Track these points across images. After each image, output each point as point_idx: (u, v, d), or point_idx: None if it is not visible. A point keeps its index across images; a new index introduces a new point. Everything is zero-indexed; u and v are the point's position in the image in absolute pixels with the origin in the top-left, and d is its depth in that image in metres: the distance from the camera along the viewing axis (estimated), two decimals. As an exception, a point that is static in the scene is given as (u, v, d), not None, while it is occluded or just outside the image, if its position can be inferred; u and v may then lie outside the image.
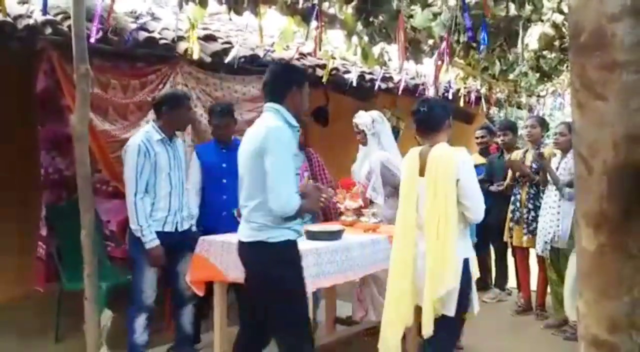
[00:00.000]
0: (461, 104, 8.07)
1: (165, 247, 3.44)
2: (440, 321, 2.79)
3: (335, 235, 3.42)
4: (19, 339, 4.22)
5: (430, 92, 6.49)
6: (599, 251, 1.16)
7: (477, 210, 2.85)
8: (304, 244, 3.22)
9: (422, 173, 2.92)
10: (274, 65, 3.20)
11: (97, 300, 3.35)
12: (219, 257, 3.42)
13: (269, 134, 2.63)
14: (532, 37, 4.84)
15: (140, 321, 3.46)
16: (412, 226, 2.94)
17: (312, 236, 3.40)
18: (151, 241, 3.37)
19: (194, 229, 3.74)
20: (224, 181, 3.91)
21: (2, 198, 4.65)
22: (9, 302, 4.71)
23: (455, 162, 2.82)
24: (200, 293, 3.54)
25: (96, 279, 3.34)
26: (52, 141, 4.30)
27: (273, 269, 2.68)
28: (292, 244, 2.73)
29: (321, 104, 6.88)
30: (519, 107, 9.43)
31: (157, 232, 3.42)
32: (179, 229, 3.57)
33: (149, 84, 4.11)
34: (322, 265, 3.16)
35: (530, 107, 9.33)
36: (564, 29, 4.23)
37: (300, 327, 2.76)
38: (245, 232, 2.73)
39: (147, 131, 3.46)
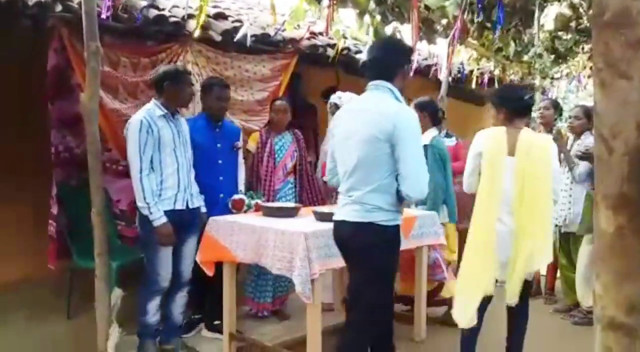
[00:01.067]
0: (473, 85, 7.98)
1: (176, 226, 3.37)
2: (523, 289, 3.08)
3: (345, 216, 3.40)
4: (31, 316, 4.27)
5: (443, 73, 6.40)
6: (618, 232, 1.15)
7: (558, 193, 3.24)
8: (313, 225, 3.22)
9: (511, 153, 3.04)
10: (384, 41, 3.26)
11: (107, 278, 3.39)
12: (229, 238, 3.43)
13: (399, 118, 2.56)
14: (547, 18, 4.76)
15: (154, 303, 3.43)
16: (498, 202, 3.03)
17: (322, 217, 3.38)
18: (159, 219, 3.29)
19: (203, 209, 3.66)
20: (220, 162, 3.86)
21: (17, 182, 4.68)
22: (22, 280, 4.76)
23: (551, 148, 3.11)
24: (210, 273, 3.54)
25: (107, 258, 3.37)
26: (62, 119, 4.29)
27: (377, 250, 2.67)
28: (398, 229, 2.73)
29: (332, 84, 6.82)
30: (532, 90, 9.32)
31: (169, 211, 3.34)
32: (190, 207, 3.49)
33: (159, 62, 4.07)
34: (331, 246, 3.13)
35: (544, 89, 9.21)
36: (581, 10, 4.14)
37: (383, 309, 2.88)
38: (353, 213, 2.66)
39: (148, 108, 3.39)
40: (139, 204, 3.29)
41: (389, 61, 2.74)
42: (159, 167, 3.34)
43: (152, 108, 3.38)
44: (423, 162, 2.63)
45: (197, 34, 4.14)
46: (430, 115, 4.35)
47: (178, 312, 3.61)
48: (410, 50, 3.05)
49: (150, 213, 3.28)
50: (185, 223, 3.47)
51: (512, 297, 3.08)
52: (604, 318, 1.18)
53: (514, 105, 3.17)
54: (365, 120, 2.63)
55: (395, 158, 2.58)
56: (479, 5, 3.57)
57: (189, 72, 3.67)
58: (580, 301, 3.46)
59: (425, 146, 4.23)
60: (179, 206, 3.42)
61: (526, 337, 3.39)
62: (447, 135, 5.63)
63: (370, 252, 2.67)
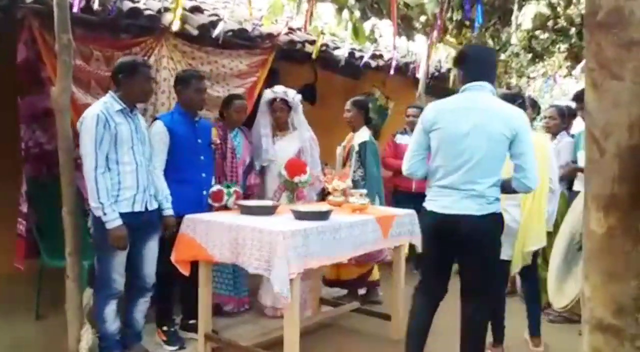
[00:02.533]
0: (451, 84, 8.01)
1: (134, 228, 3.17)
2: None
3: (323, 215, 3.37)
4: (-1, 316, 4.15)
5: (421, 71, 6.40)
6: (608, 233, 1.14)
7: (555, 182, 3.65)
8: (291, 224, 3.17)
9: None
10: (480, 47, 3.75)
11: (79, 278, 3.29)
12: (205, 237, 3.36)
13: (519, 120, 2.85)
14: (525, 16, 4.77)
15: (110, 308, 3.23)
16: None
17: (300, 215, 3.34)
18: (113, 220, 3.06)
19: (168, 212, 3.46)
20: (202, 158, 3.77)
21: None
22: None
23: (549, 145, 3.71)
24: (186, 272, 3.47)
25: (78, 257, 3.27)
26: (32, 114, 4.17)
27: (497, 235, 2.96)
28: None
29: (310, 81, 6.77)
30: (508, 89, 9.39)
31: (127, 213, 3.14)
32: (149, 208, 3.29)
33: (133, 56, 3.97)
34: (309, 246, 3.11)
35: (520, 88, 9.30)
36: (559, 9, 4.16)
37: (500, 286, 3.32)
38: (476, 207, 2.84)
39: (105, 101, 3.16)
40: (93, 204, 3.06)
41: (493, 66, 3.08)
42: (116, 165, 3.13)
43: (110, 102, 3.16)
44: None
45: (176, 26, 4.02)
46: (365, 114, 4.70)
47: (140, 317, 3.44)
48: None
49: (104, 214, 3.05)
50: (145, 225, 3.28)
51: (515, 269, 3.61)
52: (592, 319, 1.18)
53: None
54: (489, 119, 2.82)
55: (512, 153, 2.84)
56: (466, 4, 3.56)
57: (149, 65, 3.41)
58: (550, 302, 3.47)
59: (364, 143, 4.55)
60: (138, 207, 3.22)
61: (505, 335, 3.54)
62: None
63: (492, 240, 2.94)
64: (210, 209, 3.74)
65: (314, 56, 5.24)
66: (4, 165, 4.24)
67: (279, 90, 4.34)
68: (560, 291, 3.50)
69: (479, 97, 2.88)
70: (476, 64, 2.94)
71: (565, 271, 3.26)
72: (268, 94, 4.36)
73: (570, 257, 3.18)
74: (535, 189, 2.96)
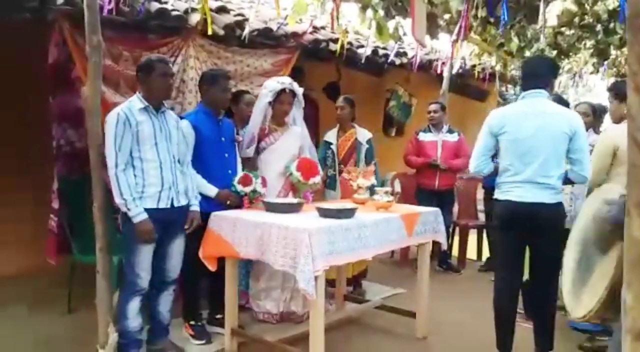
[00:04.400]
0: (474, 80, 7.96)
1: (159, 225, 3.19)
2: None
3: (348, 213, 3.39)
4: (31, 310, 4.26)
5: (445, 68, 6.37)
6: None
7: None
8: (316, 222, 3.20)
9: None
10: (540, 57, 4.24)
11: (109, 274, 3.36)
12: (231, 234, 3.41)
13: (577, 120, 3.29)
14: (551, 13, 4.72)
15: (134, 305, 3.26)
16: None
17: (325, 213, 3.37)
18: (138, 215, 3.12)
19: (195, 207, 3.47)
20: (226, 155, 3.81)
21: (18, 176, 4.68)
22: (23, 273, 4.75)
23: None
24: (213, 268, 3.52)
25: (108, 253, 3.34)
26: (63, 113, 4.27)
27: (563, 221, 3.38)
28: None
29: (333, 79, 6.80)
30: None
31: (152, 209, 3.17)
32: (175, 205, 3.30)
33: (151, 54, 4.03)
34: (335, 243, 3.13)
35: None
36: (586, 6, 4.11)
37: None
38: (550, 196, 3.24)
39: (130, 100, 3.24)
40: (117, 200, 3.13)
41: (545, 73, 3.38)
42: (140, 163, 3.18)
43: (134, 101, 3.23)
44: None
45: (208, 30, 4.04)
46: (354, 111, 4.80)
47: (165, 311, 3.47)
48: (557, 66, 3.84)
49: (129, 209, 3.11)
50: (171, 222, 3.31)
51: None
52: (633, 329, 1.14)
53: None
54: (556, 122, 3.23)
55: (571, 148, 3.24)
56: (490, 1, 3.55)
57: (166, 61, 3.41)
58: (568, 311, 3.39)
59: (370, 139, 4.72)
60: (163, 204, 3.24)
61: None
62: (450, 131, 5.62)
63: (561, 226, 3.35)
64: (237, 206, 3.77)
65: (341, 54, 5.26)
66: (37, 163, 4.35)
67: (286, 81, 4.07)
68: (578, 301, 3.41)
69: (537, 102, 3.29)
70: (532, 74, 3.36)
71: (580, 280, 3.19)
72: (273, 84, 4.02)
73: (584, 265, 3.12)
74: (589, 178, 3.36)
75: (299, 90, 4.13)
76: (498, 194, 3.39)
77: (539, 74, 3.35)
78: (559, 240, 3.34)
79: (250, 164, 4.03)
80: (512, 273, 3.40)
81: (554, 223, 3.30)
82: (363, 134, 4.79)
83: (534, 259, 3.39)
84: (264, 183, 3.80)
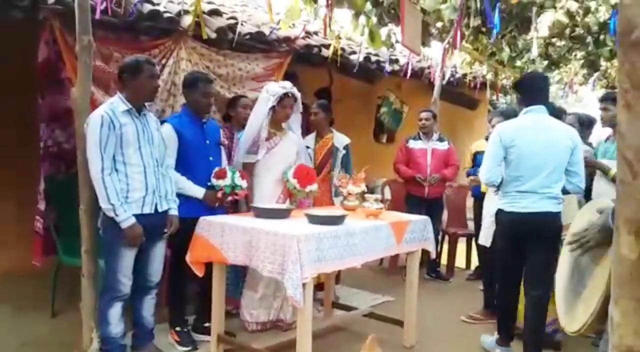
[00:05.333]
0: (465, 89, 7.99)
1: (145, 230, 3.14)
2: None
3: (337, 220, 3.37)
4: (15, 313, 4.20)
5: (437, 76, 6.39)
6: None
7: None
8: (305, 228, 3.18)
9: None
10: (538, 74, 4.31)
11: (94, 277, 3.32)
12: (219, 239, 3.38)
13: (577, 136, 3.58)
14: (542, 24, 4.76)
15: (115, 310, 3.19)
16: None
17: (315, 220, 3.35)
18: (127, 220, 3.05)
19: (174, 212, 3.41)
20: (211, 158, 3.77)
21: (2, 176, 4.63)
22: (6, 274, 4.68)
23: None
24: (200, 274, 3.49)
25: (94, 255, 3.31)
26: (51, 113, 4.22)
27: (561, 232, 3.49)
28: None
29: (325, 84, 6.79)
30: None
31: (136, 215, 3.11)
32: (159, 210, 3.27)
33: (153, 58, 4.00)
34: (323, 250, 3.12)
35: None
36: (577, 18, 4.14)
37: None
38: (553, 206, 3.49)
39: (111, 102, 3.14)
40: (103, 205, 3.05)
41: (545, 89, 3.68)
42: (123, 167, 3.11)
43: (116, 102, 3.14)
44: None
45: (202, 33, 4.02)
46: (330, 116, 4.79)
47: (149, 315, 3.42)
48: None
49: (117, 215, 3.03)
50: (154, 227, 3.25)
51: None
52: (620, 346, 1.14)
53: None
54: (558, 135, 3.50)
55: (570, 161, 3.50)
56: (487, 11, 3.58)
57: (153, 62, 3.35)
58: (563, 326, 3.41)
59: (348, 146, 4.71)
60: (147, 209, 3.19)
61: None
62: (440, 139, 5.63)
63: (559, 234, 3.47)
64: (219, 208, 3.73)
65: (337, 61, 5.25)
66: (23, 163, 4.30)
67: (287, 85, 4.06)
68: (571, 315, 3.40)
69: (540, 117, 3.54)
70: (532, 90, 3.60)
71: (573, 293, 3.20)
72: (276, 88, 3.99)
73: (576, 278, 3.12)
74: (582, 189, 3.66)
75: (299, 95, 4.12)
76: (504, 204, 3.58)
77: (539, 90, 3.61)
78: (558, 247, 3.48)
79: (249, 169, 4.00)
80: (514, 280, 3.65)
81: (557, 231, 3.53)
82: (340, 140, 4.74)
83: (531, 265, 3.57)
84: (243, 176, 3.74)
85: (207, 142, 3.77)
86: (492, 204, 4.43)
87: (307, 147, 4.72)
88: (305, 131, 4.85)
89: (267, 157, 4.01)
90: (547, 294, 3.51)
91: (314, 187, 3.98)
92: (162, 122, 3.72)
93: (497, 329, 3.82)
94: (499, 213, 3.64)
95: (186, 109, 3.77)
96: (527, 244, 3.53)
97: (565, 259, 3.42)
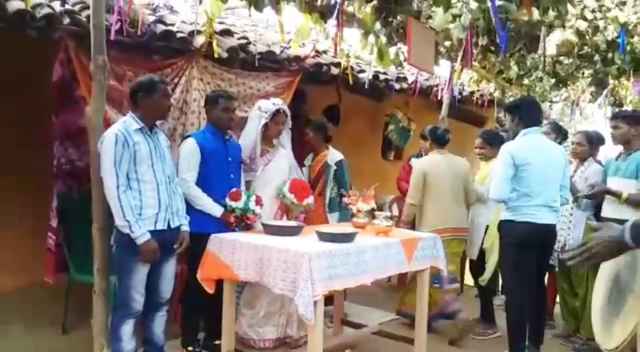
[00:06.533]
0: (473, 106, 8.01)
1: (158, 246, 3.18)
2: None
3: (348, 237, 3.38)
4: (26, 329, 4.21)
5: (445, 94, 6.43)
6: None
7: None
8: (316, 246, 3.19)
9: None
10: (533, 99, 4.78)
11: (106, 294, 3.34)
12: (230, 256, 3.38)
13: (565, 153, 4.09)
14: (550, 43, 4.80)
15: (127, 328, 3.21)
16: None
17: (325, 237, 3.36)
18: (142, 236, 3.09)
19: (185, 227, 3.45)
20: (232, 176, 3.82)
21: (17, 192, 4.71)
22: (19, 291, 4.72)
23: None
24: (211, 290, 3.50)
25: (106, 273, 3.32)
26: (65, 132, 4.27)
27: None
28: None
29: (333, 102, 6.85)
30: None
31: (149, 232, 3.14)
32: (172, 226, 3.31)
33: (165, 77, 4.06)
34: (334, 267, 3.12)
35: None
36: (587, 37, 4.18)
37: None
38: (554, 218, 3.96)
39: (124, 121, 3.20)
40: (119, 222, 3.08)
41: (540, 112, 4.10)
42: (137, 184, 3.15)
43: (129, 121, 3.20)
44: None
45: (215, 53, 4.08)
46: (324, 134, 4.82)
47: (160, 332, 3.44)
48: None
49: (132, 232, 3.07)
50: (167, 243, 3.30)
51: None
52: None
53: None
54: (556, 154, 3.96)
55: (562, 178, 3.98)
56: (497, 29, 3.64)
57: (166, 81, 3.46)
58: (599, 344, 3.40)
59: (340, 161, 4.70)
60: (160, 225, 3.23)
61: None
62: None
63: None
64: (236, 226, 3.75)
65: (350, 80, 5.30)
66: (36, 181, 4.35)
67: (278, 102, 4.18)
68: (608, 332, 3.38)
69: (539, 138, 3.97)
70: (531, 113, 3.96)
71: (611, 311, 3.17)
72: (269, 105, 4.10)
73: (615, 296, 3.11)
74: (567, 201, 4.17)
75: (288, 112, 4.23)
76: (515, 216, 3.87)
77: (536, 113, 4.01)
78: (551, 254, 4.27)
79: (246, 187, 4.04)
80: (529, 287, 3.92)
81: (555, 240, 4.12)
82: (332, 157, 4.75)
83: (535, 270, 3.96)
84: (258, 202, 3.78)
85: (230, 159, 3.82)
86: (483, 219, 4.76)
87: (304, 165, 4.81)
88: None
89: (263, 174, 4.10)
90: (544, 294, 4.17)
91: (310, 199, 4.08)
92: (185, 137, 3.78)
93: (510, 347, 3.89)
94: (509, 224, 3.90)
95: (209, 125, 3.86)
96: (533, 252, 3.86)
97: (603, 276, 3.41)
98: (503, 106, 8.34)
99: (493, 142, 4.96)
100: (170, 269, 3.41)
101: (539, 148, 3.89)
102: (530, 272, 3.91)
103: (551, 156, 3.91)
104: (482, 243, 4.78)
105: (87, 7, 3.57)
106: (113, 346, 3.23)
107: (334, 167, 4.71)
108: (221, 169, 3.76)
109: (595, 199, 4.36)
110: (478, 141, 5.09)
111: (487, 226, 4.71)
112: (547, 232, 3.91)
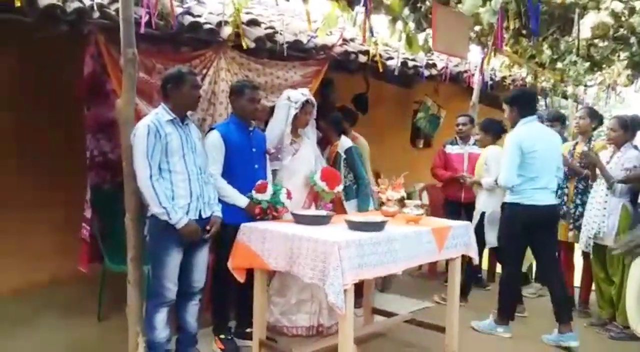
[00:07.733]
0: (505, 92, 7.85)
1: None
2: None
3: (378, 226, 3.37)
4: (62, 318, 4.32)
5: (475, 80, 6.33)
6: None
7: None
8: (346, 235, 3.19)
9: None
10: (529, 89, 5.52)
11: (140, 284, 3.39)
12: (260, 245, 3.41)
13: (559, 137, 4.51)
14: (584, 25, 4.67)
15: (161, 316, 3.27)
16: None
17: (355, 226, 3.36)
18: (181, 220, 3.16)
19: (217, 213, 3.48)
20: (256, 166, 3.82)
21: (50, 184, 4.78)
22: (54, 281, 4.84)
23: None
24: (241, 280, 3.53)
25: (139, 263, 3.38)
26: (97, 124, 4.33)
27: None
28: None
29: (361, 90, 6.80)
30: (564, 97, 9.16)
31: None
32: (203, 216, 3.35)
33: (193, 68, 4.08)
34: (364, 256, 3.11)
35: (576, 97, 9.05)
36: (622, 18, 4.05)
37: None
38: (555, 199, 4.41)
39: (156, 112, 3.27)
40: (156, 210, 3.14)
41: (536, 101, 4.46)
42: (169, 175, 3.21)
43: (161, 112, 3.26)
44: None
45: (242, 43, 4.08)
46: (336, 126, 4.78)
47: (192, 320, 3.49)
48: None
49: (170, 218, 3.14)
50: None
51: None
52: None
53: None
54: (553, 139, 4.36)
55: None
56: (530, 12, 3.59)
57: (195, 73, 3.49)
58: (634, 329, 3.33)
59: (349, 149, 4.65)
60: (192, 215, 3.27)
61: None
62: (476, 144, 5.55)
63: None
64: (261, 218, 3.74)
65: (380, 68, 5.26)
66: (71, 172, 4.43)
67: (306, 92, 4.20)
68: None
69: (538, 126, 4.32)
70: (531, 103, 4.32)
71: None
72: (298, 95, 4.12)
73: None
74: None
75: (315, 102, 4.25)
76: (521, 199, 4.16)
77: (532, 104, 4.35)
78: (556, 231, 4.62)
79: (272, 176, 4.05)
80: (521, 259, 4.48)
81: (558, 218, 4.59)
82: (342, 145, 4.70)
83: (540, 247, 4.34)
84: (289, 195, 3.78)
85: (254, 150, 3.82)
86: (489, 204, 4.92)
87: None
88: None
89: (290, 163, 4.12)
90: (556, 267, 4.44)
91: (340, 187, 4.14)
92: (209, 129, 3.80)
93: (499, 310, 4.37)
94: (514, 207, 4.22)
95: (233, 116, 3.86)
96: (539, 230, 4.20)
97: (638, 263, 3.36)
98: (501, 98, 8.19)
99: (489, 130, 5.12)
100: (202, 258, 3.45)
101: (541, 135, 4.24)
102: (525, 246, 4.40)
103: (550, 141, 4.28)
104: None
105: (117, 1, 3.59)
106: (147, 334, 3.30)
107: (344, 156, 4.68)
108: (245, 160, 3.76)
109: (631, 183, 4.25)
110: (462, 119, 5.47)
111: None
112: (551, 212, 4.29)
